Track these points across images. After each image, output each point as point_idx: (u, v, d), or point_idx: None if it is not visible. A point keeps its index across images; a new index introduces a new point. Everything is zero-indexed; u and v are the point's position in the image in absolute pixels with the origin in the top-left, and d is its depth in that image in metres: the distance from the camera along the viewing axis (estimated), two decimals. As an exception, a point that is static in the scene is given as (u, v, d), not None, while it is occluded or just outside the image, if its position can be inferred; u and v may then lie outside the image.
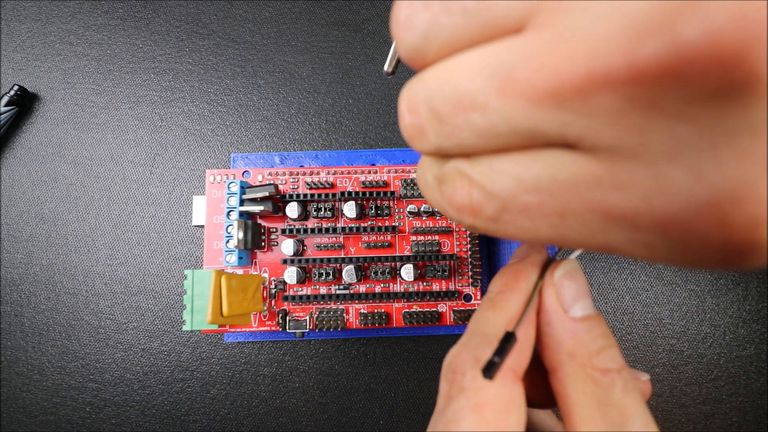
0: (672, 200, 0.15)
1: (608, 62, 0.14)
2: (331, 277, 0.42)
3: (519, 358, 0.24)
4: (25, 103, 0.55)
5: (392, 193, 0.42)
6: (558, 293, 0.25)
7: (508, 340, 0.23)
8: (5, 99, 0.53)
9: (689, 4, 0.13)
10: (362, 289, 0.43)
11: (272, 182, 0.43)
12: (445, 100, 0.19)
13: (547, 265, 0.27)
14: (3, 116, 0.53)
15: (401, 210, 0.44)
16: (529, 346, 0.25)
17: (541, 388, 0.26)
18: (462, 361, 0.24)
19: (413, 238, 0.43)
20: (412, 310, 0.43)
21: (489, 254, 0.47)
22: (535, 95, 0.15)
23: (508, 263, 0.28)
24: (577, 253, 0.27)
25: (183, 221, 0.54)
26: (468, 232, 0.43)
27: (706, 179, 0.14)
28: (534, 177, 0.17)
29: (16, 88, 0.53)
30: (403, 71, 0.55)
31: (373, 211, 0.43)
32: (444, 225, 0.43)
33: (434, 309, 0.43)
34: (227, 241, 0.41)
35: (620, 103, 0.14)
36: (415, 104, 0.20)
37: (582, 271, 0.26)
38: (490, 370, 0.22)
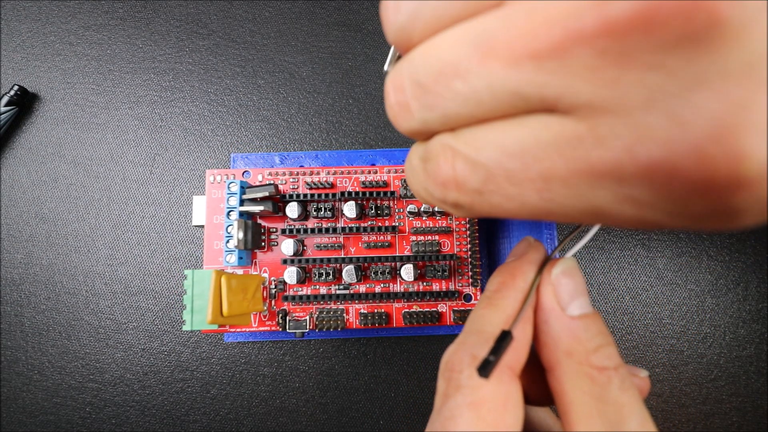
0: (653, 146, 0.15)
1: (581, 20, 0.15)
2: (331, 277, 0.42)
3: (516, 355, 0.24)
4: (25, 103, 0.55)
5: (392, 193, 0.42)
6: (555, 291, 0.25)
7: (504, 339, 0.24)
8: (5, 99, 0.53)
9: None
10: (362, 289, 0.43)
11: (272, 182, 0.43)
12: (428, 72, 0.19)
13: (544, 264, 0.27)
14: (3, 116, 0.53)
15: (401, 210, 0.43)
16: (526, 343, 0.25)
17: (539, 385, 0.26)
18: (459, 360, 0.24)
19: (413, 238, 0.43)
20: (412, 310, 0.43)
21: (489, 254, 0.47)
22: (515, 58, 0.16)
23: (505, 261, 0.28)
24: (574, 250, 0.27)
25: (183, 221, 0.54)
26: (468, 232, 0.43)
27: (683, 121, 0.14)
28: (517, 141, 0.18)
29: (16, 88, 0.53)
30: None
31: (373, 211, 0.43)
32: (444, 225, 0.43)
33: (434, 309, 0.43)
34: (227, 241, 0.41)
35: (594, 58, 0.15)
36: (399, 81, 0.21)
37: (579, 269, 0.26)
38: (485, 368, 0.22)
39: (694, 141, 0.14)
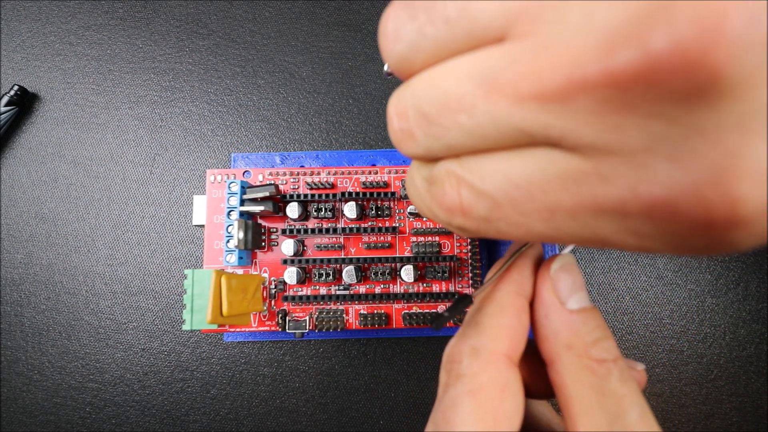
0: (655, 186, 0.16)
1: (585, 69, 0.15)
2: (331, 277, 0.42)
3: (513, 344, 0.25)
4: (25, 103, 0.55)
5: (393, 193, 0.42)
6: (554, 286, 0.26)
7: (461, 300, 0.25)
8: (5, 99, 0.53)
9: (656, 14, 0.14)
10: (362, 289, 0.43)
11: (273, 182, 0.43)
12: (433, 103, 0.19)
13: (540, 259, 0.28)
14: (3, 116, 0.53)
15: (402, 211, 0.44)
16: (522, 333, 0.25)
17: (539, 379, 0.27)
18: (459, 351, 0.25)
19: (413, 239, 0.43)
20: (412, 311, 0.43)
21: (489, 256, 0.47)
22: (520, 97, 0.17)
23: (503, 256, 0.29)
24: (570, 247, 0.28)
25: (183, 221, 0.54)
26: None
27: (684, 164, 0.15)
28: (523, 173, 0.18)
29: (16, 88, 0.53)
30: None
31: (373, 212, 0.43)
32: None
33: (434, 310, 0.43)
34: (227, 241, 0.41)
35: (597, 105, 0.15)
36: (403, 109, 0.21)
37: (577, 265, 0.27)
38: (436, 321, 0.24)
39: (693, 184, 0.15)
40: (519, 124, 0.17)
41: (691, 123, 0.15)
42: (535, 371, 0.27)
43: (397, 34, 0.20)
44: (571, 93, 0.16)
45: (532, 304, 0.27)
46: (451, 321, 0.43)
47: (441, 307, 0.43)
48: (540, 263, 0.28)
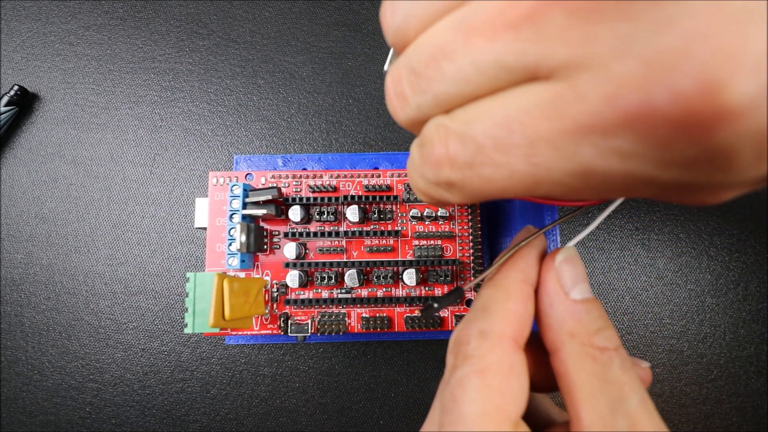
0: (630, 93, 0.16)
1: None
2: (333, 280, 0.42)
3: (519, 328, 0.26)
4: (25, 103, 0.55)
5: (395, 197, 0.42)
6: (559, 277, 0.27)
7: (453, 292, 0.27)
8: (5, 99, 0.53)
9: None
10: (364, 293, 0.43)
11: (275, 185, 0.43)
12: (420, 58, 0.21)
13: (544, 252, 0.29)
14: (3, 116, 0.53)
15: (404, 214, 0.43)
16: (528, 319, 0.26)
17: (540, 372, 0.28)
18: (467, 333, 0.26)
19: (416, 242, 0.43)
20: (414, 314, 0.43)
21: (492, 259, 0.47)
22: (494, 31, 0.18)
23: (508, 247, 0.29)
24: (574, 241, 0.29)
25: (183, 221, 0.54)
26: (471, 237, 0.43)
27: (655, 63, 0.15)
28: (503, 110, 0.19)
29: (16, 88, 0.53)
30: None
31: (375, 215, 0.43)
32: (447, 230, 0.43)
33: (436, 314, 0.43)
34: (230, 244, 0.41)
35: (565, 19, 0.16)
36: (397, 74, 0.23)
37: (580, 257, 0.28)
38: (427, 311, 0.26)
39: (666, 80, 0.15)
40: (496, 59, 0.18)
41: (656, 16, 0.15)
42: (537, 364, 0.28)
43: (392, 8, 0.22)
44: (539, 12, 0.17)
45: (536, 294, 0.28)
46: (453, 324, 0.43)
47: (443, 311, 0.43)
48: (544, 256, 0.29)
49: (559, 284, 0.27)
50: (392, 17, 0.22)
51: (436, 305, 0.26)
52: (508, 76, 0.18)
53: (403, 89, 0.22)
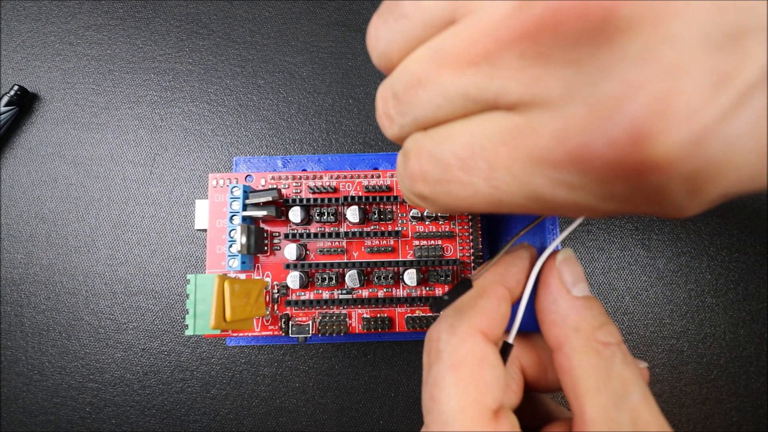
0: (574, 133, 0.17)
1: (502, 29, 0.18)
2: (333, 281, 0.42)
3: (489, 322, 0.27)
4: (25, 103, 0.55)
5: (395, 197, 0.42)
6: (560, 276, 0.29)
7: (462, 284, 0.27)
8: (5, 99, 0.53)
9: None
10: (365, 293, 0.43)
11: (275, 186, 0.43)
12: (402, 84, 0.23)
13: (533, 260, 0.31)
14: (3, 116, 0.53)
15: (404, 215, 0.43)
16: (501, 317, 0.28)
17: (541, 374, 0.30)
18: (437, 330, 0.27)
19: (416, 242, 0.43)
20: (415, 315, 0.43)
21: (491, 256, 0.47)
22: (460, 66, 0.20)
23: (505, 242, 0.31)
24: (564, 230, 0.31)
25: (183, 221, 0.54)
26: (471, 237, 0.43)
27: (594, 106, 0.17)
28: (468, 134, 0.21)
29: (16, 88, 0.53)
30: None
31: (376, 216, 0.43)
32: (447, 230, 0.43)
33: (437, 314, 0.43)
34: (230, 246, 0.41)
35: (518, 60, 0.18)
36: (384, 95, 0.25)
37: (577, 259, 0.30)
38: (436, 304, 0.25)
39: (603, 128, 0.17)
40: (463, 91, 0.20)
41: (596, 64, 0.17)
42: (538, 367, 0.30)
43: (376, 36, 0.24)
44: (495, 53, 0.18)
45: (538, 293, 0.30)
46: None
47: (443, 312, 0.43)
48: (533, 263, 0.31)
49: (561, 282, 0.28)
50: (376, 43, 0.24)
51: (446, 298, 0.26)
52: (473, 106, 0.20)
53: (388, 110, 0.24)
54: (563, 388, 0.26)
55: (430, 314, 0.43)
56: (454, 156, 0.21)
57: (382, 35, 0.23)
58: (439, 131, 0.22)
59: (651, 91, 0.16)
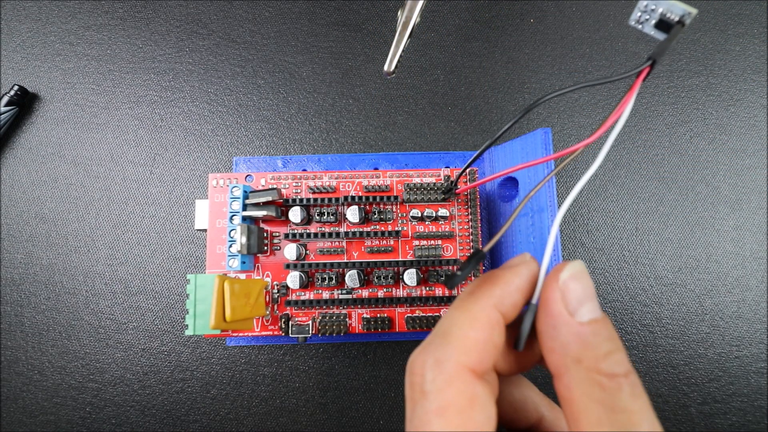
0: None
1: None
2: (333, 281, 0.42)
3: (479, 357, 0.24)
4: (25, 103, 0.55)
5: (395, 197, 0.42)
6: (564, 296, 0.25)
7: (475, 256, 0.25)
8: (5, 99, 0.53)
9: None
10: (365, 293, 0.43)
11: (275, 186, 0.43)
12: None
13: (535, 276, 0.27)
14: (3, 116, 0.53)
15: (404, 215, 0.43)
16: (493, 347, 0.25)
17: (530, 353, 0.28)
18: (421, 363, 0.24)
19: (416, 242, 0.43)
20: (414, 314, 0.43)
21: (492, 260, 0.47)
22: None
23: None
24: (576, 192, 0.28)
25: (183, 221, 0.54)
26: (471, 237, 0.43)
27: None
28: None
29: (16, 88, 0.53)
30: (403, 71, 0.55)
31: (376, 216, 0.43)
32: (447, 230, 0.43)
33: (437, 314, 0.43)
34: (230, 246, 0.41)
35: None
36: None
37: (587, 271, 0.26)
38: (450, 280, 0.25)
39: None
40: None
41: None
42: (511, 410, 0.29)
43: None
44: None
45: (538, 315, 0.26)
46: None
47: (444, 311, 0.43)
48: (536, 280, 0.27)
49: (563, 305, 0.25)
50: None
51: (459, 273, 0.25)
52: None
53: None
54: (566, 416, 0.24)
55: (431, 314, 0.43)
56: None
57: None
58: None
59: None
